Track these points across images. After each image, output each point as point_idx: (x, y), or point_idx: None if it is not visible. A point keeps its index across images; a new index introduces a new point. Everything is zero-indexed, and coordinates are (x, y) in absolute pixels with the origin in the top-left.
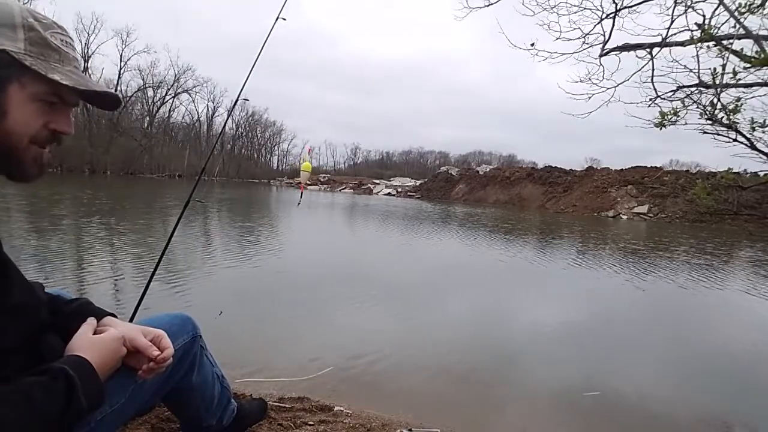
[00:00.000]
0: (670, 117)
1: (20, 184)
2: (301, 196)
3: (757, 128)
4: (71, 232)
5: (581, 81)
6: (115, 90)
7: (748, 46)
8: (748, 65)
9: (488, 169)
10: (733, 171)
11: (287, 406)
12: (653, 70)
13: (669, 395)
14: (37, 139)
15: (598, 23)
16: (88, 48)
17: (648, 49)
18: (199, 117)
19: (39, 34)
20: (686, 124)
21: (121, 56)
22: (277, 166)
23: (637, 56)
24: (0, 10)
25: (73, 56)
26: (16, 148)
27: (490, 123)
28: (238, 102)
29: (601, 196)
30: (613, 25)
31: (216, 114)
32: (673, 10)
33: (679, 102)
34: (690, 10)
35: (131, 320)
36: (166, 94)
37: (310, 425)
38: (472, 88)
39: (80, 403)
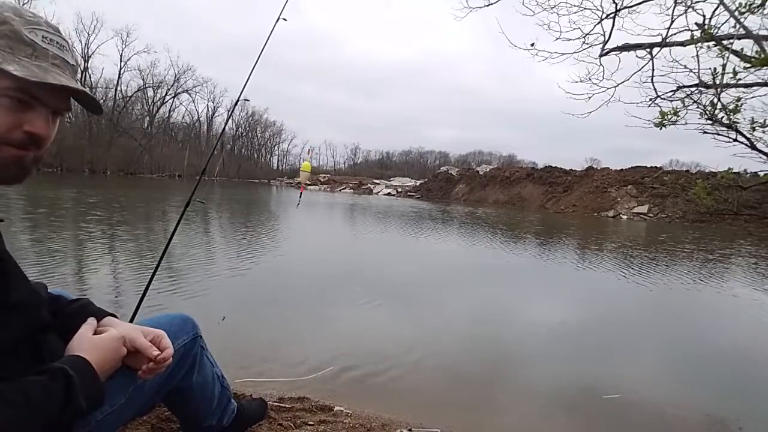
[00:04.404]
0: (670, 117)
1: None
2: (300, 197)
3: (757, 128)
4: (71, 232)
5: (581, 81)
6: (115, 90)
7: (748, 46)
8: (748, 65)
9: (488, 169)
10: (733, 171)
11: (287, 406)
12: (653, 70)
13: (683, 398)
14: (10, 139)
15: (598, 23)
16: (88, 48)
17: (648, 49)
18: (199, 117)
19: (11, 27)
20: (686, 124)
21: (121, 56)
22: (277, 166)
23: (637, 56)
24: None
25: (53, 53)
26: None
27: (490, 123)
28: (239, 102)
29: (601, 196)
30: (613, 25)
31: (216, 114)
32: (673, 10)
33: (679, 102)
34: (690, 10)
35: (131, 320)
36: (166, 94)
37: (310, 425)
38: (472, 88)
39: (79, 403)
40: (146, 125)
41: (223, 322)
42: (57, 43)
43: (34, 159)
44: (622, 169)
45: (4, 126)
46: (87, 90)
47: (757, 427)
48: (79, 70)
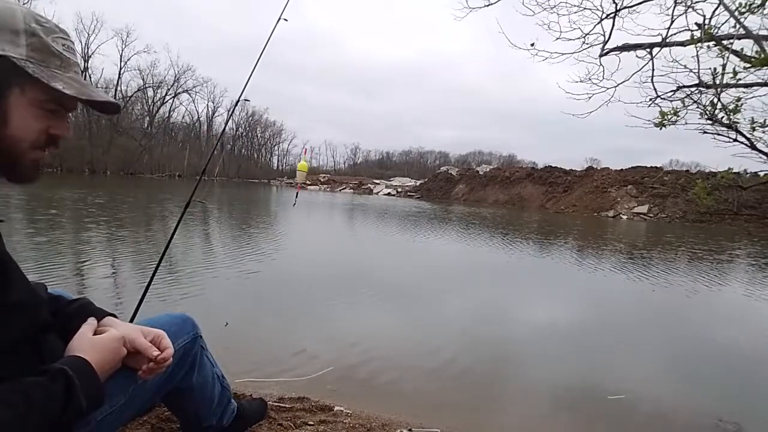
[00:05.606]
0: (670, 117)
1: (19, 185)
2: (296, 197)
3: (757, 128)
4: (77, 233)
5: (581, 81)
6: (115, 90)
7: (748, 46)
8: (748, 65)
9: (488, 169)
10: (733, 171)
11: (287, 406)
12: (653, 70)
13: (688, 399)
14: (37, 143)
15: (598, 23)
16: (88, 48)
17: (648, 49)
18: (199, 117)
19: (41, 39)
20: (686, 124)
21: (121, 56)
22: (277, 166)
23: (637, 56)
24: (3, 14)
25: (74, 61)
26: (17, 152)
27: (490, 123)
28: (239, 102)
29: (601, 196)
30: (613, 25)
31: (216, 114)
32: (673, 10)
33: (679, 102)
34: (690, 10)
35: (131, 320)
36: (166, 94)
37: (310, 425)
38: (472, 88)
39: (79, 404)
40: (146, 125)
41: (227, 326)
42: (71, 48)
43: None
44: (622, 169)
45: (37, 133)
46: (114, 100)
47: (763, 428)
48: (81, 64)
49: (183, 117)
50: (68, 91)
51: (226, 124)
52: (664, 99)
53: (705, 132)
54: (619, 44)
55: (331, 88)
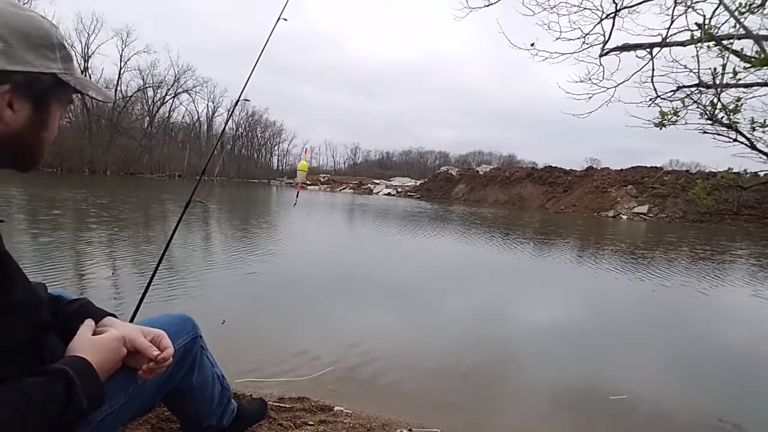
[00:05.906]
0: (670, 117)
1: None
2: (297, 196)
3: (757, 128)
4: (72, 232)
5: (581, 81)
6: (115, 90)
7: (748, 46)
8: (748, 65)
9: (488, 169)
10: (733, 171)
11: (287, 406)
12: (653, 70)
13: (691, 399)
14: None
15: (598, 23)
16: (88, 48)
17: (648, 49)
18: (199, 117)
19: (65, 50)
20: (686, 124)
21: (121, 56)
22: (277, 166)
23: (637, 56)
24: (40, 29)
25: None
26: (46, 148)
27: (490, 123)
28: (239, 102)
29: (601, 196)
30: (613, 25)
31: (216, 114)
32: (673, 10)
33: (679, 102)
34: (690, 10)
35: (131, 320)
36: (166, 94)
37: (310, 425)
38: (472, 88)
39: (80, 404)
40: (146, 125)
41: (224, 324)
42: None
43: None
44: (622, 169)
45: (56, 129)
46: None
47: (763, 428)
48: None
49: (183, 117)
50: (99, 97)
51: (226, 124)
52: (664, 99)
53: (705, 132)
54: (619, 44)
55: (331, 88)
